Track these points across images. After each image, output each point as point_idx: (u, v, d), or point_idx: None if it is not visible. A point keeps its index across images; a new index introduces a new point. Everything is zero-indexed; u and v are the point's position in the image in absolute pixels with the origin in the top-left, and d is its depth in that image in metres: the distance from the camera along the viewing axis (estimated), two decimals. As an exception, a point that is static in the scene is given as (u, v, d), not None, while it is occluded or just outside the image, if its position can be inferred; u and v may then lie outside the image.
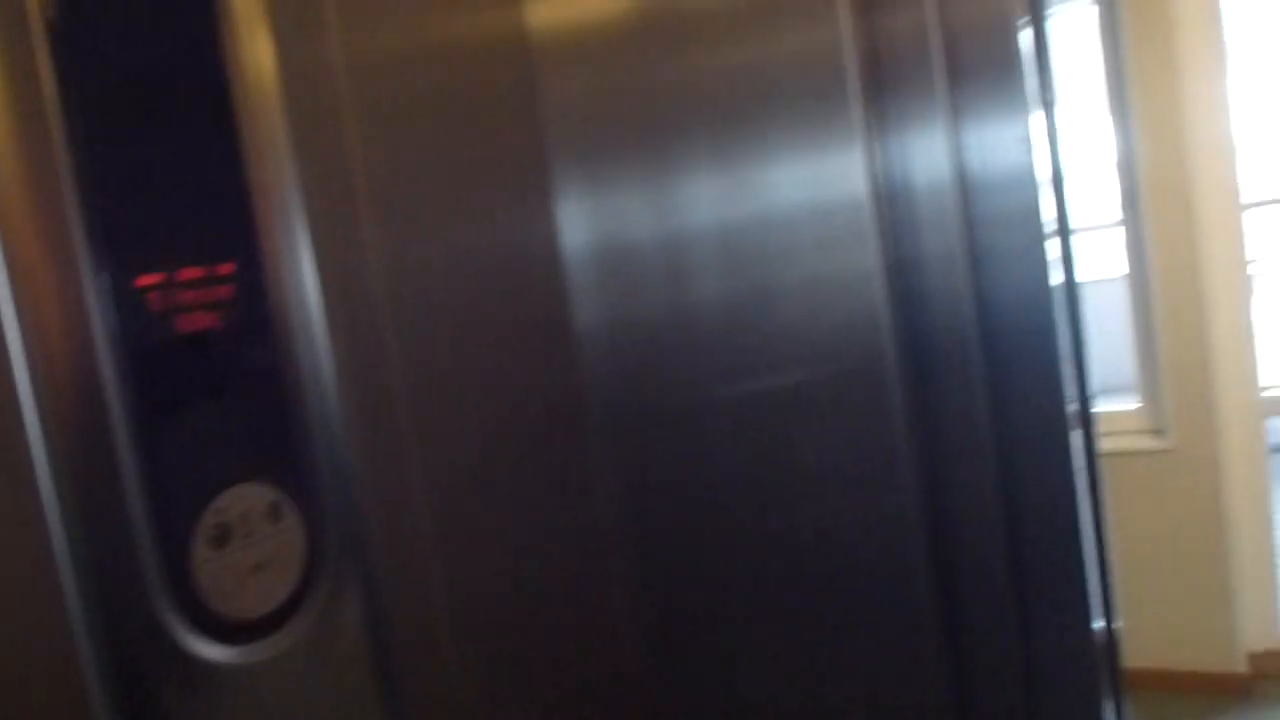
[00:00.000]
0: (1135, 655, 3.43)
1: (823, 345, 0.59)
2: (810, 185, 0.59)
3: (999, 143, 0.58)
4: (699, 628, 0.64)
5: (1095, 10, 3.24)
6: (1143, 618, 3.40)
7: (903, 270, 0.60)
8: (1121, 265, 3.36)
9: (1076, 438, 0.60)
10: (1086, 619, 0.69)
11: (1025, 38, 0.58)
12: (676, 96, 0.61)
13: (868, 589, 0.61)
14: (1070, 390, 0.59)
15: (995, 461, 0.62)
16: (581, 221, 0.62)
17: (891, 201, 0.60)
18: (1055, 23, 4.16)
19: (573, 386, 0.62)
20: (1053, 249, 0.58)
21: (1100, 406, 3.56)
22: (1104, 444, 3.31)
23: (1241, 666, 3.31)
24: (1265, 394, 3.26)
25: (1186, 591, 3.32)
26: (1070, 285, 0.61)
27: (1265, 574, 3.37)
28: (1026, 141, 0.57)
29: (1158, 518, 3.30)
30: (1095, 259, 4.03)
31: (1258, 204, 3.61)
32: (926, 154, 0.60)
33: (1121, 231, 3.33)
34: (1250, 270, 3.27)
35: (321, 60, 0.62)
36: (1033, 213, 0.58)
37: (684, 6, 0.61)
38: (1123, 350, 3.44)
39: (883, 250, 0.58)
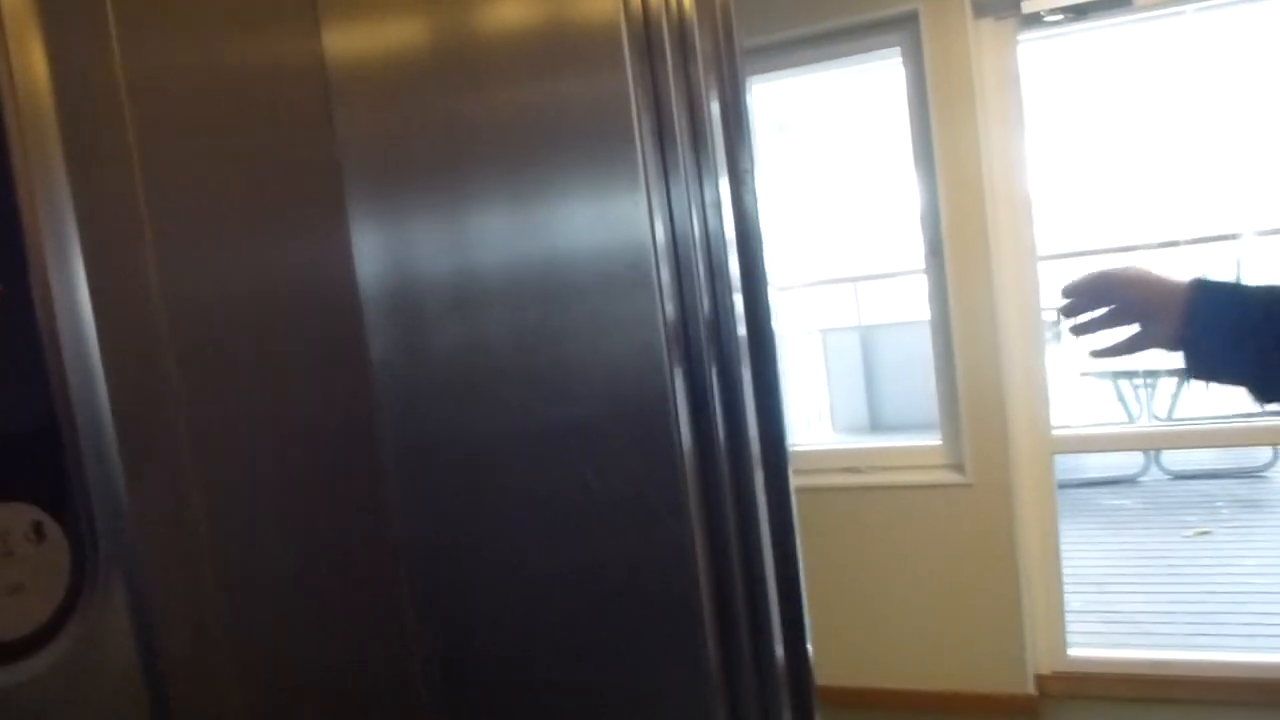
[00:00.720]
0: (931, 678, 3.60)
1: (608, 381, 0.62)
2: (595, 226, 0.61)
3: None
4: (484, 657, 0.65)
5: (903, 69, 3.43)
6: (940, 642, 3.57)
7: (683, 312, 0.65)
8: (925, 310, 3.55)
9: (758, 477, 0.65)
10: (769, 644, 0.75)
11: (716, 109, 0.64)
12: (471, 133, 0.62)
13: (651, 613, 0.64)
14: (751, 431, 0.66)
15: (727, 495, 0.68)
16: (375, 251, 0.62)
17: (672, 247, 0.64)
18: (863, 77, 4.37)
19: (364, 412, 0.63)
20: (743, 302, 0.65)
21: (905, 442, 3.75)
22: (907, 478, 3.49)
23: (1030, 688, 3.51)
24: (1055, 433, 3.49)
25: (981, 617, 3.50)
26: (759, 335, 0.69)
27: (1054, 600, 3.59)
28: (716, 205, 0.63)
29: (956, 547, 3.48)
30: (902, 302, 4.24)
31: (1051, 257, 3.87)
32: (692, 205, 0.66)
33: (925, 279, 3.52)
34: (1042, 318, 3.50)
35: (101, 73, 0.58)
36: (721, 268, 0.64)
37: (480, 45, 0.62)
38: (927, 390, 3.62)
39: (662, 294, 0.61)
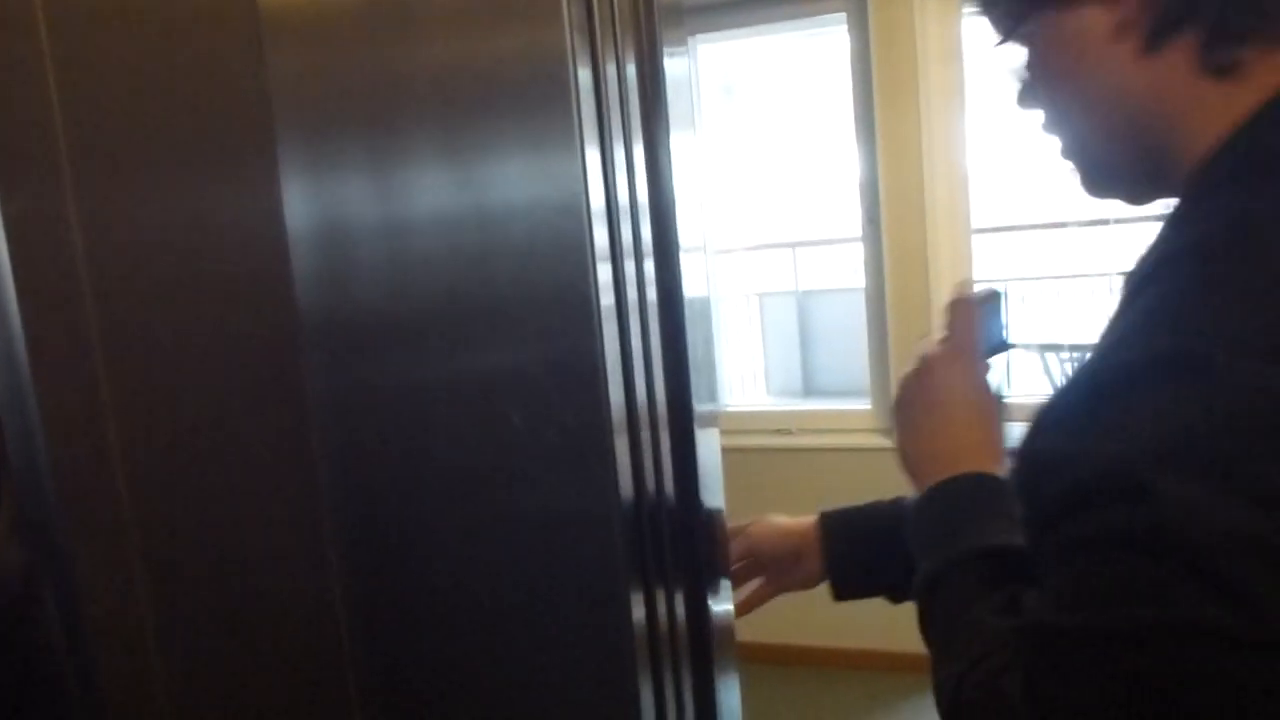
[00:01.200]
0: (851, 636, 3.70)
1: (538, 334, 0.62)
2: (528, 182, 0.61)
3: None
4: (408, 597, 0.66)
5: (848, 36, 3.47)
6: (860, 601, 3.66)
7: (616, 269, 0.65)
8: (861, 278, 3.62)
9: (622, 442, 0.65)
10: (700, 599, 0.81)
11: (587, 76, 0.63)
12: (406, 84, 0.61)
13: (572, 563, 0.65)
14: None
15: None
16: (306, 199, 0.61)
17: (608, 207, 0.64)
18: (810, 44, 4.40)
19: (293, 363, 0.62)
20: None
21: (836, 406, 3.83)
22: (837, 440, 3.57)
23: (947, 645, 3.61)
24: (979, 400, 3.58)
25: (903, 576, 3.59)
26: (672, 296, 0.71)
27: (973, 563, 3.69)
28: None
29: (881, 509, 3.55)
30: (839, 270, 4.32)
31: (986, 230, 3.96)
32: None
33: (862, 247, 3.59)
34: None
35: (17, 5, 0.55)
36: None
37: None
38: (861, 356, 3.69)
39: (593, 252, 0.61)
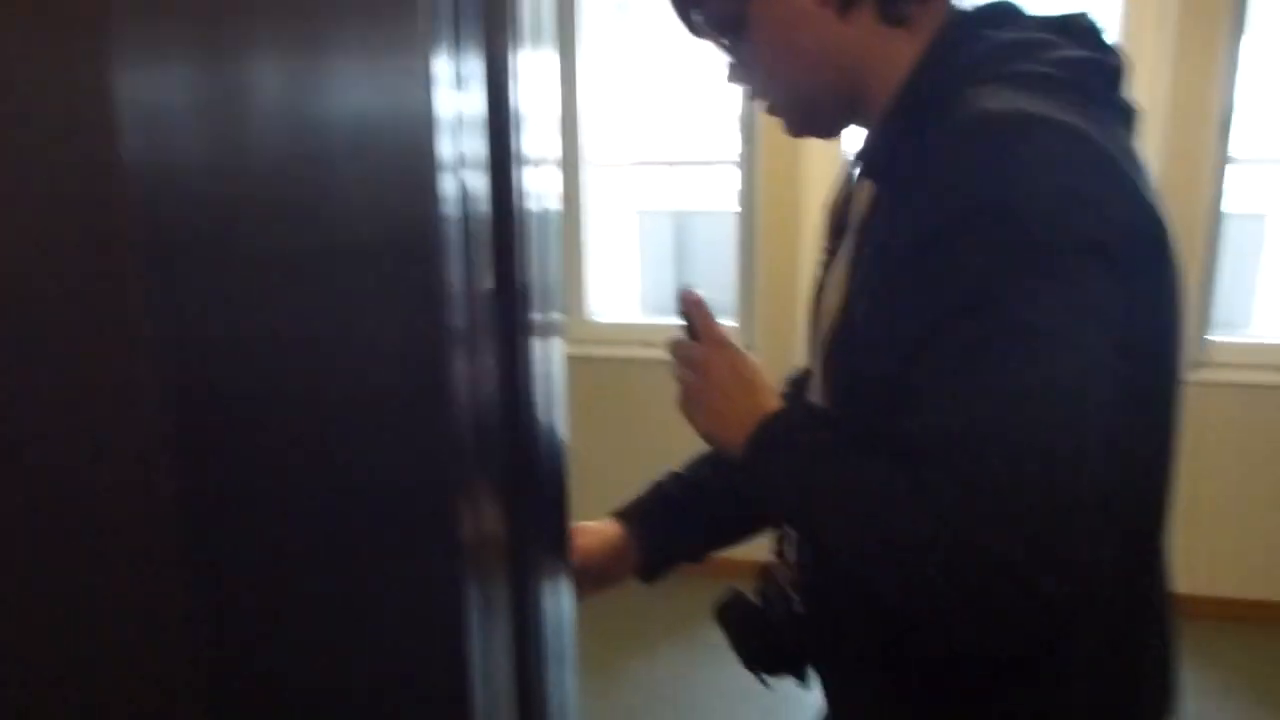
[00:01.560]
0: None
1: (377, 232, 0.62)
2: (370, 87, 0.60)
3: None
4: (239, 508, 0.66)
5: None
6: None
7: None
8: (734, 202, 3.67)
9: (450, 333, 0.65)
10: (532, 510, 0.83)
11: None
12: None
13: (400, 450, 0.65)
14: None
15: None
16: (135, 84, 0.59)
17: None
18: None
19: (117, 225, 0.61)
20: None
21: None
22: (702, 357, 3.63)
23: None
24: (841, 325, 3.69)
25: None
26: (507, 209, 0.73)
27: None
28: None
29: (741, 427, 3.65)
30: (717, 192, 4.35)
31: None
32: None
33: (738, 169, 3.63)
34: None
35: None
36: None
37: None
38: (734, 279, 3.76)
39: (436, 162, 0.61)
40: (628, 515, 1.29)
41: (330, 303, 0.63)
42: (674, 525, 1.29)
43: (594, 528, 1.25)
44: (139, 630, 0.67)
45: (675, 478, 1.32)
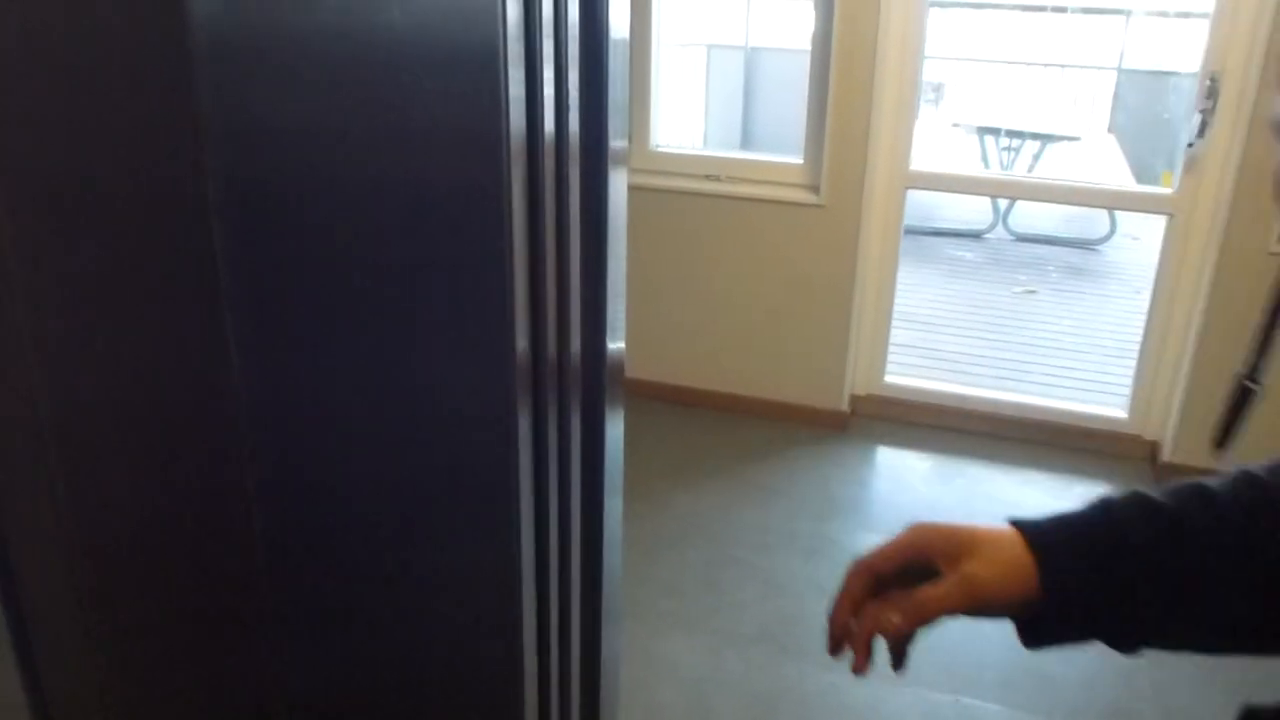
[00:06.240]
0: (755, 385, 3.86)
1: (437, 73, 0.61)
2: None
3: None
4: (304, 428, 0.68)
5: None
6: (769, 352, 3.80)
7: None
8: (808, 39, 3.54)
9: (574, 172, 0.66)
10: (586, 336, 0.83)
11: None
12: None
13: (462, 283, 0.65)
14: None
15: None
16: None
17: None
18: None
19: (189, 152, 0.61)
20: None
21: (768, 157, 3.83)
22: (764, 191, 3.59)
23: (844, 405, 3.80)
24: (911, 168, 3.62)
25: (811, 334, 3.72)
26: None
27: (881, 329, 3.83)
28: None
29: (800, 266, 3.64)
30: (789, 28, 4.21)
31: (945, 4, 3.86)
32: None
33: (812, 6, 3.50)
34: (922, 63, 3.54)
35: None
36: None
37: None
38: (802, 120, 3.66)
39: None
40: (1042, 543, 0.78)
41: (395, 119, 0.62)
42: (1110, 584, 0.78)
43: (990, 548, 0.78)
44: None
45: (1135, 503, 0.79)
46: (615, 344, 0.96)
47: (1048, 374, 4.72)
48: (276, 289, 0.66)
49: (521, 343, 0.69)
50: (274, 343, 0.67)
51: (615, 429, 0.97)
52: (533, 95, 0.66)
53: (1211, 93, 3.15)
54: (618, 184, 0.86)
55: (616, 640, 1.06)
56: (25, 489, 0.70)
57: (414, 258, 0.65)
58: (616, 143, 0.84)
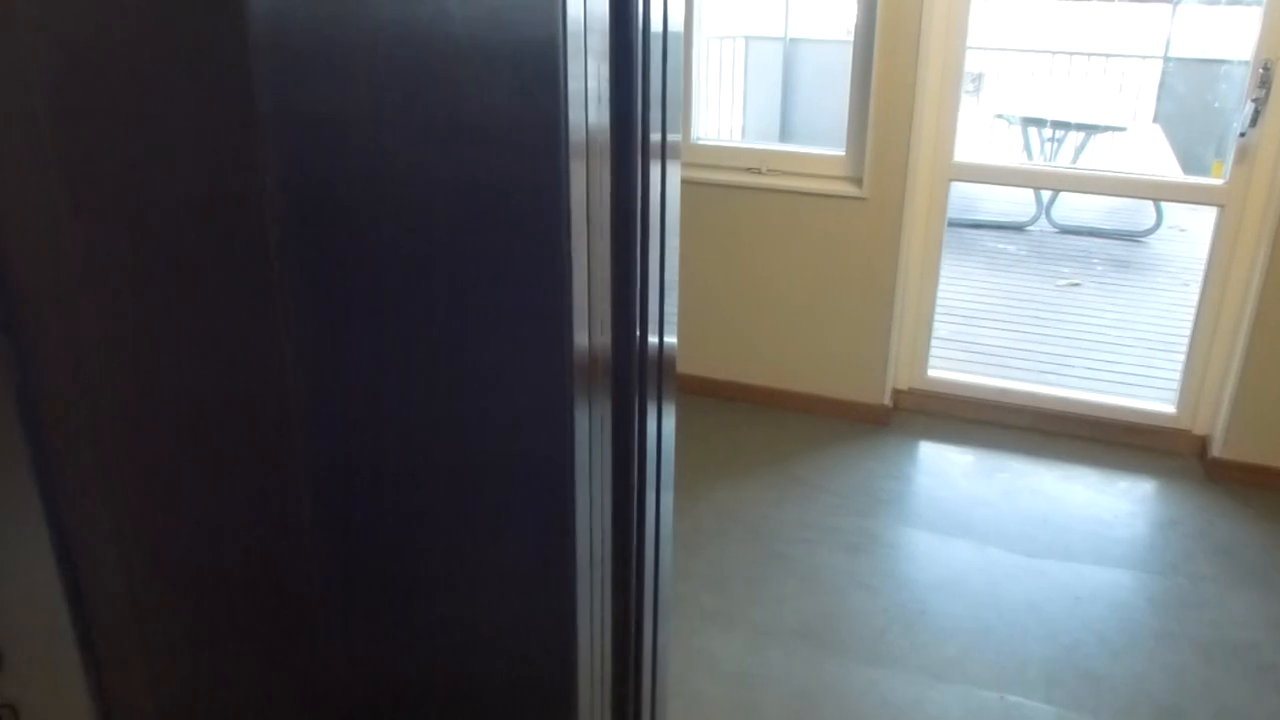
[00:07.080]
0: (797, 379, 3.83)
1: (502, 70, 0.60)
2: None
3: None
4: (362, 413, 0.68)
5: None
6: (811, 346, 3.78)
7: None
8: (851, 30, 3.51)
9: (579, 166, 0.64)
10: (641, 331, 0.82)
11: None
12: None
13: (519, 273, 0.65)
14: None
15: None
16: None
17: None
18: None
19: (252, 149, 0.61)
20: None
21: (810, 149, 3.80)
22: (806, 185, 3.57)
23: (886, 399, 3.77)
24: (955, 160, 3.58)
25: (854, 327, 3.70)
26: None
27: (923, 322, 3.79)
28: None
29: (842, 259, 3.62)
30: (829, 20, 4.18)
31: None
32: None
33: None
34: (965, 52, 3.50)
35: None
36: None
37: None
38: (842, 112, 3.63)
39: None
40: None
41: (452, 114, 0.62)
42: None
43: None
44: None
45: None
46: (669, 338, 0.95)
47: (1091, 368, 4.66)
48: (333, 285, 0.66)
49: (580, 337, 0.68)
50: (330, 339, 0.67)
51: (668, 424, 0.96)
52: (591, 89, 0.65)
53: (1265, 81, 3.09)
54: (672, 178, 0.86)
55: (667, 634, 1.05)
56: (89, 491, 0.70)
57: (471, 253, 0.65)
58: (671, 136, 0.83)
